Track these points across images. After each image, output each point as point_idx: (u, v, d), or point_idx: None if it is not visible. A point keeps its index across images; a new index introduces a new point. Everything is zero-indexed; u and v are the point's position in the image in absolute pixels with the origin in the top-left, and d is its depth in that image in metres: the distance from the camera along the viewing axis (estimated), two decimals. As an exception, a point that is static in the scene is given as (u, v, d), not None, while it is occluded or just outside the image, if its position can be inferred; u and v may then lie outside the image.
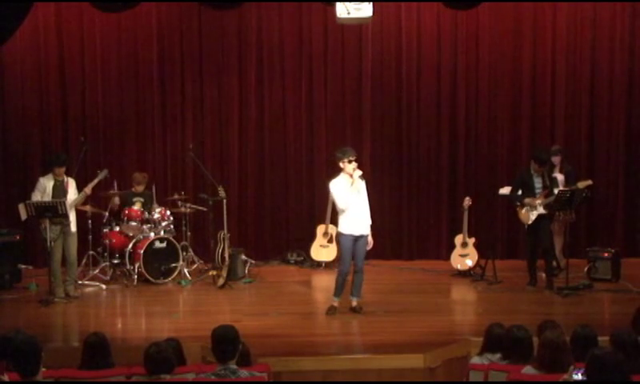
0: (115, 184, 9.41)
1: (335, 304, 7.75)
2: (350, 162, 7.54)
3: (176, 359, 4.65)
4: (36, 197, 8.40)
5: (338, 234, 7.81)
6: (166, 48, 10.48)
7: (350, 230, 7.57)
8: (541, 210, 8.42)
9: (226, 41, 10.53)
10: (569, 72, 10.58)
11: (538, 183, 8.51)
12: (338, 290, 7.72)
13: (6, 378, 4.15)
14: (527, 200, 8.48)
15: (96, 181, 8.71)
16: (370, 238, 7.69)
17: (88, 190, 8.59)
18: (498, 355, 4.94)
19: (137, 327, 7.68)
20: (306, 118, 10.68)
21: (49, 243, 8.26)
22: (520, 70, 10.59)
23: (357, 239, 7.59)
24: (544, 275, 8.68)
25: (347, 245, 7.59)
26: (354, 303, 7.73)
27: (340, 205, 7.56)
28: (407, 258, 10.66)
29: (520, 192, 8.64)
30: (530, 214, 8.45)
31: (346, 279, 7.69)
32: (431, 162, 10.74)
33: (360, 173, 7.55)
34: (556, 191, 8.44)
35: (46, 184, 8.46)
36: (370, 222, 7.71)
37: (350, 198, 7.50)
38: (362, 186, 7.62)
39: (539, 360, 4.49)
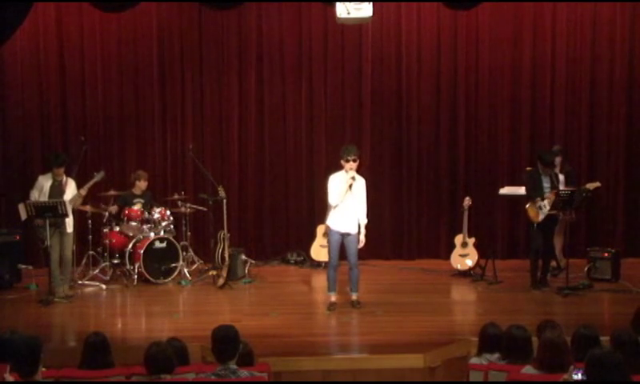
0: (113, 194, 9.39)
1: (333, 299, 7.88)
2: (347, 161, 7.61)
3: (179, 360, 4.65)
4: (34, 195, 8.41)
5: (327, 228, 7.92)
6: (166, 48, 10.48)
7: (336, 226, 7.72)
8: (548, 210, 8.40)
9: (226, 41, 10.54)
10: (569, 72, 10.58)
11: (546, 183, 8.51)
12: (331, 284, 7.87)
13: (10, 378, 4.15)
14: (538, 200, 8.46)
15: (92, 182, 8.68)
16: (361, 237, 7.76)
17: (83, 191, 8.57)
18: (497, 355, 4.94)
19: (137, 327, 7.68)
20: (306, 117, 10.68)
21: (47, 243, 8.26)
22: (520, 70, 10.59)
23: (344, 236, 7.70)
24: (539, 274, 8.67)
25: (333, 239, 7.77)
26: (354, 297, 7.89)
27: (329, 200, 7.74)
28: (407, 257, 10.67)
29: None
30: (540, 213, 8.44)
31: (334, 273, 7.83)
32: (431, 162, 10.74)
33: (352, 174, 7.61)
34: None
35: (44, 183, 8.46)
36: (363, 221, 7.79)
37: (342, 196, 7.60)
38: (358, 186, 7.72)
39: (539, 360, 4.49)
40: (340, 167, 7.73)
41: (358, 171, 7.81)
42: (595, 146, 10.69)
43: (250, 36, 10.53)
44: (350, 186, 7.62)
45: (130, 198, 9.47)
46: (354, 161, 7.65)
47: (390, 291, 8.82)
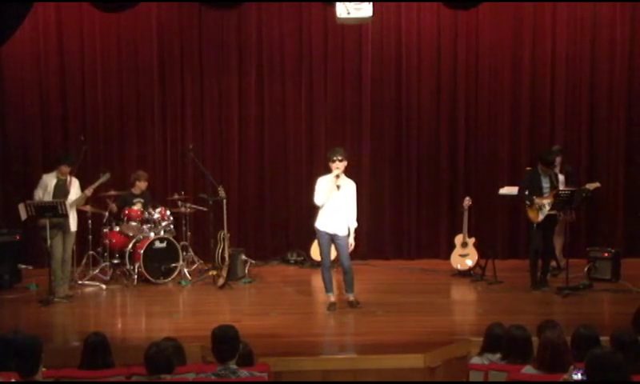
0: (113, 194, 9.39)
1: (332, 299, 7.89)
2: (333, 162, 7.67)
3: (176, 359, 4.65)
4: (38, 194, 8.41)
5: (315, 229, 7.93)
6: (166, 48, 10.48)
7: (324, 227, 7.75)
8: (548, 210, 8.40)
9: (226, 41, 10.54)
10: (569, 72, 10.58)
11: (545, 183, 8.50)
12: (327, 285, 7.88)
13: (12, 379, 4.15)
14: (536, 200, 8.46)
15: (97, 183, 8.71)
16: (350, 240, 7.78)
17: (89, 192, 8.60)
18: (498, 355, 4.94)
19: (137, 327, 7.68)
20: (306, 117, 10.69)
21: (48, 243, 8.26)
22: (520, 70, 10.59)
23: (332, 237, 7.73)
24: (539, 274, 8.67)
25: (322, 240, 7.80)
26: (351, 298, 7.90)
27: (315, 199, 7.77)
28: (407, 257, 10.67)
29: (527, 192, 8.61)
30: (540, 214, 8.44)
31: (329, 273, 7.85)
32: (431, 162, 10.74)
33: (337, 172, 7.62)
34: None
35: (48, 182, 8.46)
36: (353, 225, 7.81)
37: (328, 197, 7.62)
38: (348, 189, 7.73)
39: (539, 360, 4.49)
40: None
41: (347, 173, 7.78)
42: (595, 146, 10.69)
43: (250, 36, 10.54)
44: (338, 187, 7.61)
45: (129, 198, 9.47)
46: (340, 161, 7.66)
47: (389, 291, 8.82)
